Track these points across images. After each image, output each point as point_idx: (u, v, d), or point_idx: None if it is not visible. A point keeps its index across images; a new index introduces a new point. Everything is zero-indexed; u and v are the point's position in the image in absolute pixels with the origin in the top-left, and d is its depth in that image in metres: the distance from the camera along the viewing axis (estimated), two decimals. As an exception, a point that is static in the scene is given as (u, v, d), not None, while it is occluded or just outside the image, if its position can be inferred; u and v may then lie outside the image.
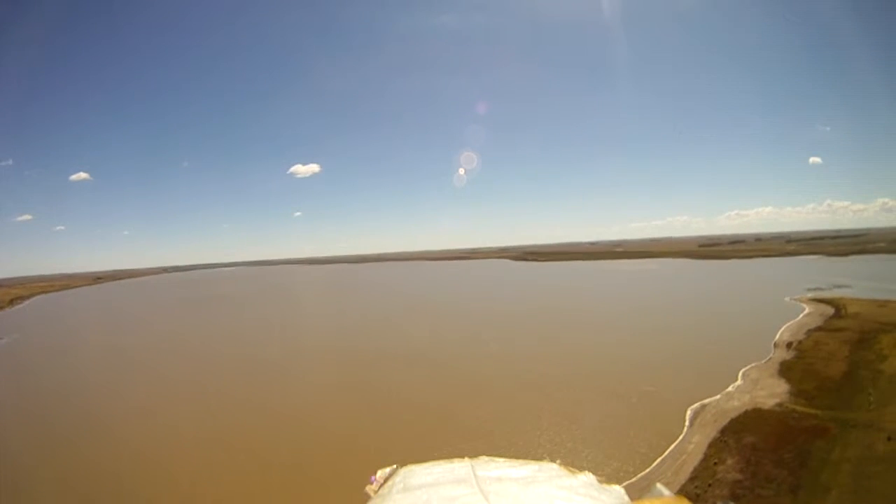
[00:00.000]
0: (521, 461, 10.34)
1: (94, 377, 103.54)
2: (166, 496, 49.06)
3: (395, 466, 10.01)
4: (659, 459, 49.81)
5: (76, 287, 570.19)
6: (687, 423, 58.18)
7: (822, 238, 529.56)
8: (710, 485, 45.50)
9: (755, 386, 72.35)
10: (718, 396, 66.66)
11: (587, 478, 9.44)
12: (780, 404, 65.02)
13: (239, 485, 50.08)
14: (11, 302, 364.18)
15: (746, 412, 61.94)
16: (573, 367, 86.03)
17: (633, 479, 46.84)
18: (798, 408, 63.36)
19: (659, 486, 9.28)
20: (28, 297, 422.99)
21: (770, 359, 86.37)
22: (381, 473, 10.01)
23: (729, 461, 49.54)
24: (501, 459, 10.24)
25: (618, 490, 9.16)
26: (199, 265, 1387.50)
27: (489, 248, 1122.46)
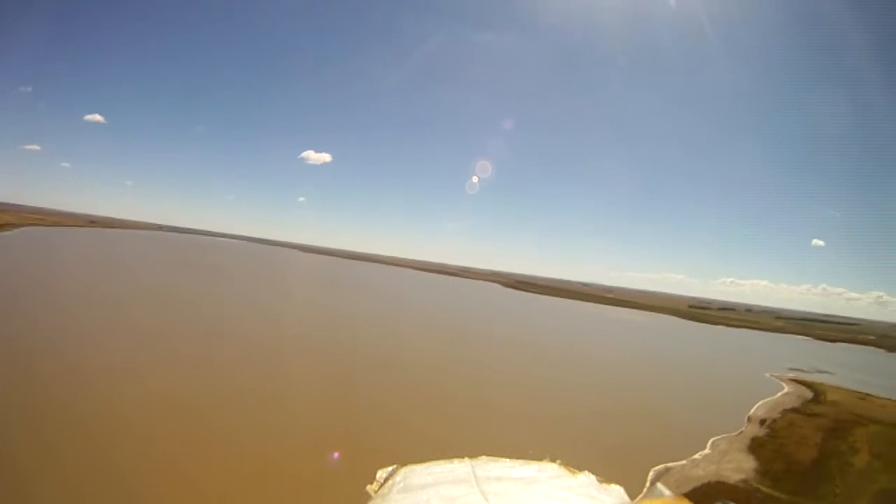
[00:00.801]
0: (521, 461, 10.54)
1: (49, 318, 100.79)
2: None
3: (395, 466, 10.50)
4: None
5: (67, 226, 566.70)
6: (647, 483, 56.16)
7: (811, 320, 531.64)
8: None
9: (723, 457, 70.65)
10: (684, 462, 64.91)
11: (587, 478, 9.88)
12: (745, 481, 63.27)
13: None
14: (1, 227, 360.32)
15: (710, 483, 60.12)
16: (543, 406, 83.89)
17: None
18: (763, 487, 61.65)
19: (659, 485, 9.59)
20: (18, 225, 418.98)
21: (742, 432, 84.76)
22: (381, 473, 10.33)
23: (683, 532, 47.80)
24: (502, 459, 10.88)
25: (618, 490, 9.51)
26: (196, 230, 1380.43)
27: (482, 269, 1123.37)
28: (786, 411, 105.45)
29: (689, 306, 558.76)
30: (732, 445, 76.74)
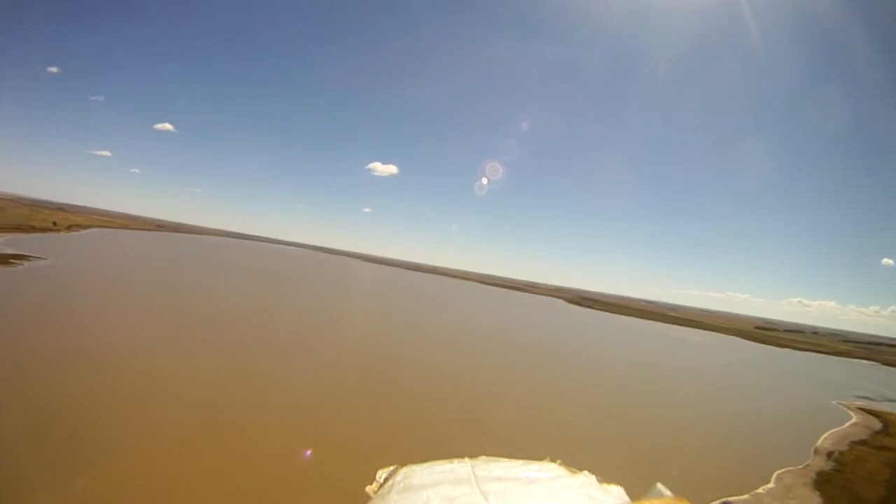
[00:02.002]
0: (521, 461, 10.23)
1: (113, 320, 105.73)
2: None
3: (395, 466, 9.86)
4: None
5: (135, 229, 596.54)
6: (705, 522, 54.51)
7: (879, 344, 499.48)
8: None
9: (787, 493, 67.50)
10: (747, 496, 62.11)
11: (587, 478, 9.55)
12: (810, 521, 60.63)
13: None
14: (69, 228, 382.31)
15: (773, 522, 57.99)
16: (600, 432, 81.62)
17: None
18: (829, 529, 58.92)
19: (659, 485, 9.04)
20: (87, 226, 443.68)
21: (808, 465, 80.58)
22: (381, 473, 9.81)
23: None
24: (502, 459, 10.26)
25: (618, 490, 9.17)
26: (263, 237, 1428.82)
27: (546, 284, 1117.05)
28: (853, 443, 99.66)
29: (756, 327, 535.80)
30: (798, 480, 73.24)
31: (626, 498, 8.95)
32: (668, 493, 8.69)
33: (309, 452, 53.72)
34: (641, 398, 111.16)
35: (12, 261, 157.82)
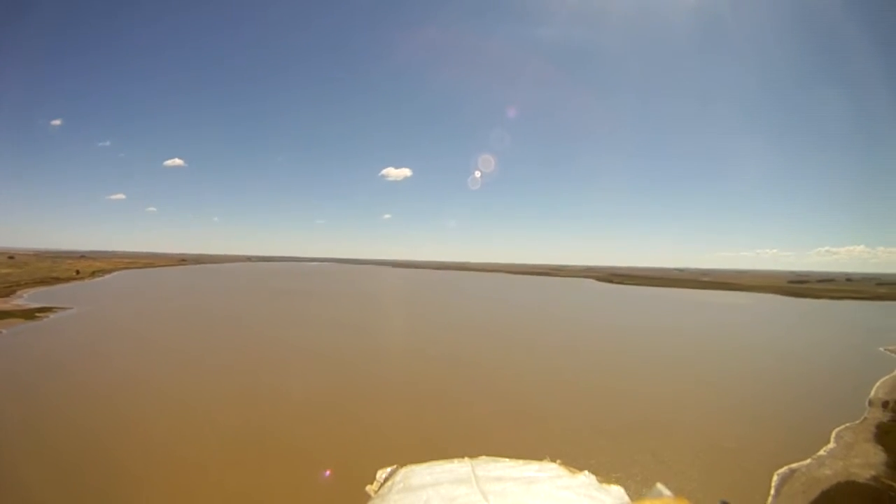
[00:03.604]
0: (521, 461, 10.97)
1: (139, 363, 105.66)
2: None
3: (395, 466, 10.61)
4: (740, 538, 44.10)
5: (159, 266, 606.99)
6: (773, 492, 51.67)
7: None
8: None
9: (849, 451, 64.44)
10: (809, 461, 59.30)
11: (587, 478, 10.23)
12: (875, 478, 57.14)
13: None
14: (93, 274, 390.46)
15: (839, 484, 54.64)
16: (651, 409, 78.79)
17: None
18: (896, 484, 55.82)
19: (659, 485, 9.72)
20: (110, 270, 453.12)
21: (865, 419, 77.08)
22: (381, 473, 10.46)
23: (818, 546, 43.48)
24: (502, 459, 11.03)
25: (618, 490, 9.78)
26: (285, 257, 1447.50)
27: (575, 266, 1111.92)
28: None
29: (789, 282, 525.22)
30: (858, 436, 69.95)
31: (626, 498, 9.65)
32: (667, 492, 9.46)
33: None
34: (684, 368, 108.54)
35: (38, 314, 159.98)
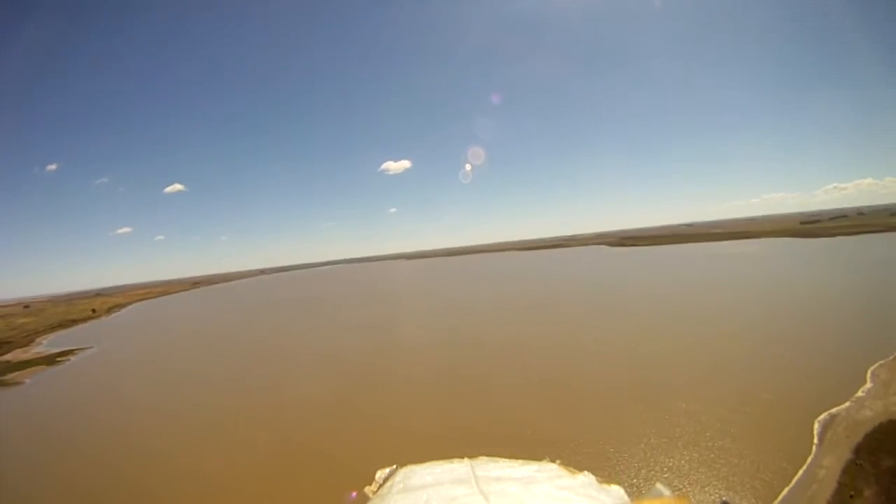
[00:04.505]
0: (520, 461, 11.04)
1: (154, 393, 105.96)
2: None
3: (394, 466, 10.71)
4: (786, 490, 42.47)
5: (173, 293, 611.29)
6: (815, 439, 50.26)
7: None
8: (848, 525, 38.43)
9: (887, 390, 62.58)
10: (848, 404, 57.59)
11: (587, 478, 10.25)
12: (918, 414, 55.74)
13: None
14: (109, 310, 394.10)
15: (881, 425, 52.89)
16: (682, 369, 77.64)
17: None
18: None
19: (659, 485, 9.95)
20: (126, 304, 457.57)
21: (899, 354, 75.44)
22: (380, 473, 11.11)
23: (866, 492, 41.69)
24: (501, 459, 11.22)
25: (618, 490, 9.78)
26: (298, 265, 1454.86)
27: (584, 234, 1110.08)
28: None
29: (801, 223, 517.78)
30: (894, 372, 68.11)
31: (626, 498, 9.67)
32: (667, 492, 9.64)
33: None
34: (709, 323, 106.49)
35: (58, 359, 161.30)
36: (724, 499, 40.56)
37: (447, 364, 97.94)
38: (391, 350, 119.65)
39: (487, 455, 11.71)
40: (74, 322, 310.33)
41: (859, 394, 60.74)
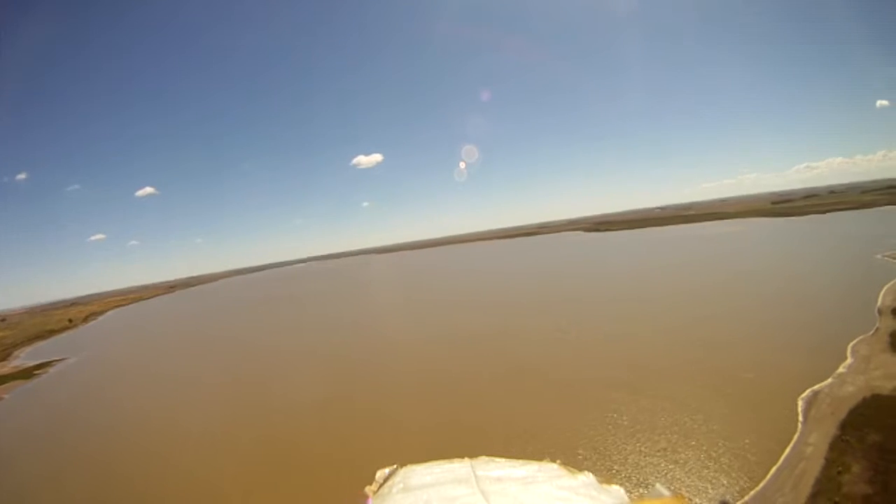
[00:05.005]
0: (520, 461, 11.04)
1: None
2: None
3: (394, 466, 11.29)
4: (774, 469, 42.74)
5: (149, 298, 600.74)
6: (800, 417, 50.92)
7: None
8: (836, 502, 38.93)
9: (868, 364, 63.74)
10: (830, 380, 58.48)
11: (587, 478, 10.30)
12: (898, 388, 56.71)
13: None
14: (86, 319, 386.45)
15: (865, 400, 53.77)
16: (660, 353, 78.24)
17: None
18: (919, 392, 54.93)
19: (658, 486, 9.96)
20: (102, 312, 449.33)
21: (877, 329, 76.52)
22: (380, 473, 10.93)
23: (854, 468, 42.25)
24: (501, 459, 10.73)
25: (618, 490, 9.89)
26: (272, 264, 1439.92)
27: (557, 221, 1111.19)
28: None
29: (773, 203, 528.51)
30: (873, 347, 69.35)
31: (626, 498, 9.95)
32: (667, 493, 9.97)
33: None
34: (686, 306, 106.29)
35: (36, 372, 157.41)
36: (723, 499, 40.70)
37: (419, 352, 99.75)
38: (366, 346, 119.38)
39: (487, 455, 11.77)
40: (52, 333, 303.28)
41: (841, 370, 61.78)
